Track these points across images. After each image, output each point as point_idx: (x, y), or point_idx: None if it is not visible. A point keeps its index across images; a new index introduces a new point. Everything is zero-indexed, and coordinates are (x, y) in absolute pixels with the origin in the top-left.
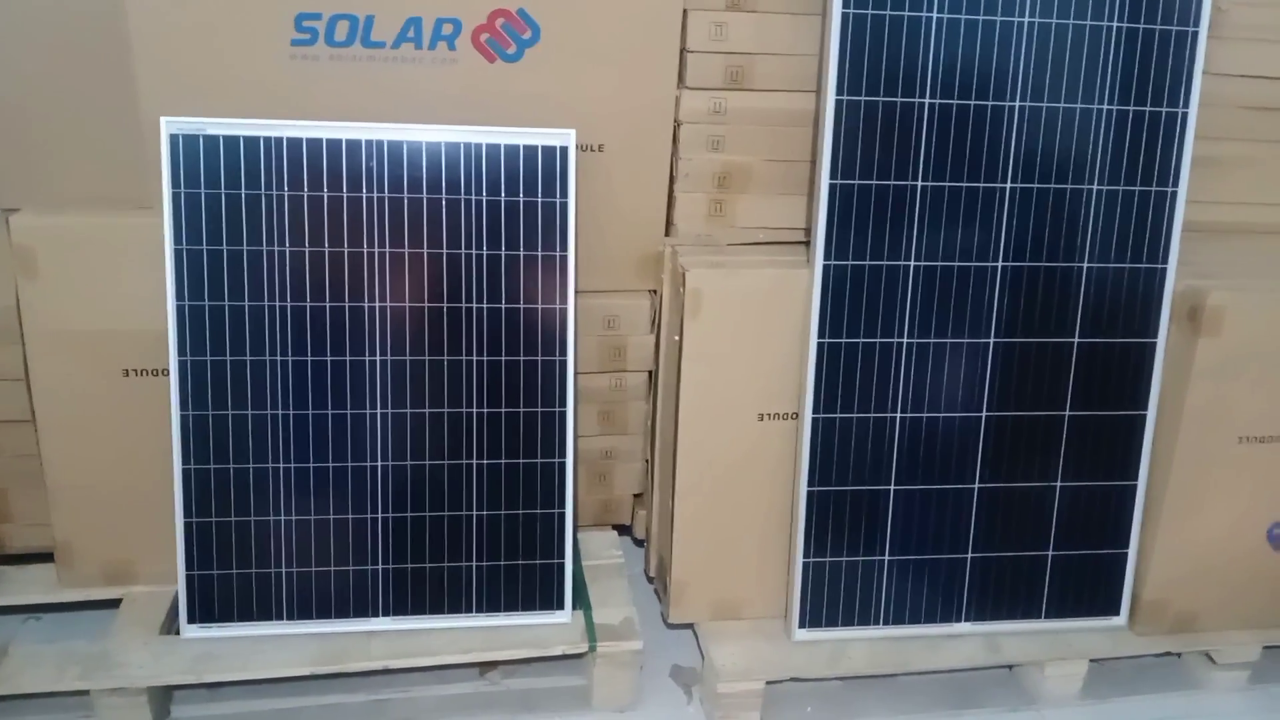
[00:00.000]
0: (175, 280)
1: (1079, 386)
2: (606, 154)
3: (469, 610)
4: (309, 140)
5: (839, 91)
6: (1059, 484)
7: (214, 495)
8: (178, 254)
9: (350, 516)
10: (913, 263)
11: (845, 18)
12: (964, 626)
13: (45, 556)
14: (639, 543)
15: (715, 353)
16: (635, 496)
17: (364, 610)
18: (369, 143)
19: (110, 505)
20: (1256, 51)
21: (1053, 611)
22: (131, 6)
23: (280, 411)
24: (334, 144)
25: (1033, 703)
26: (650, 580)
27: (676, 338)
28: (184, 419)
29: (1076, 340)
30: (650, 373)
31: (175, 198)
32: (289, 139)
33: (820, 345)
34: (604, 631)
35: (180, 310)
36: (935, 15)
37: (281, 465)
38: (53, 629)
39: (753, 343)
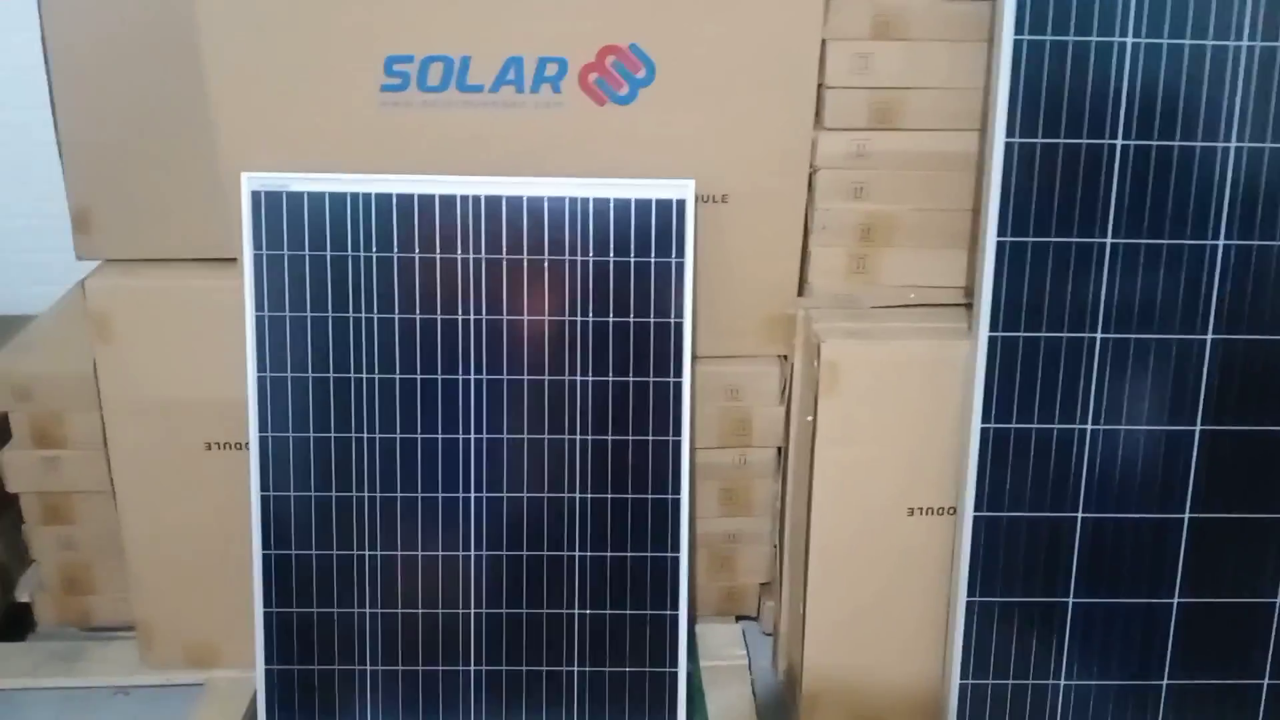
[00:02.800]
0: (256, 349)
1: None
2: (731, 204)
3: (568, 719)
4: (399, 196)
5: (1010, 133)
6: (1277, 601)
7: (295, 584)
8: (259, 321)
9: (440, 611)
10: (1099, 335)
11: (1019, 45)
12: None
13: (132, 629)
14: (763, 632)
15: (855, 435)
16: (762, 585)
17: (454, 713)
18: (465, 198)
19: (192, 585)
20: None
21: None
22: (208, 51)
23: (367, 494)
24: (426, 200)
25: None
26: (776, 679)
27: (810, 418)
28: (264, 500)
29: None
30: (780, 449)
31: (257, 260)
32: (378, 194)
33: (984, 431)
34: None
35: (261, 382)
36: (1130, 40)
37: (368, 552)
38: (139, 707)
39: (901, 424)
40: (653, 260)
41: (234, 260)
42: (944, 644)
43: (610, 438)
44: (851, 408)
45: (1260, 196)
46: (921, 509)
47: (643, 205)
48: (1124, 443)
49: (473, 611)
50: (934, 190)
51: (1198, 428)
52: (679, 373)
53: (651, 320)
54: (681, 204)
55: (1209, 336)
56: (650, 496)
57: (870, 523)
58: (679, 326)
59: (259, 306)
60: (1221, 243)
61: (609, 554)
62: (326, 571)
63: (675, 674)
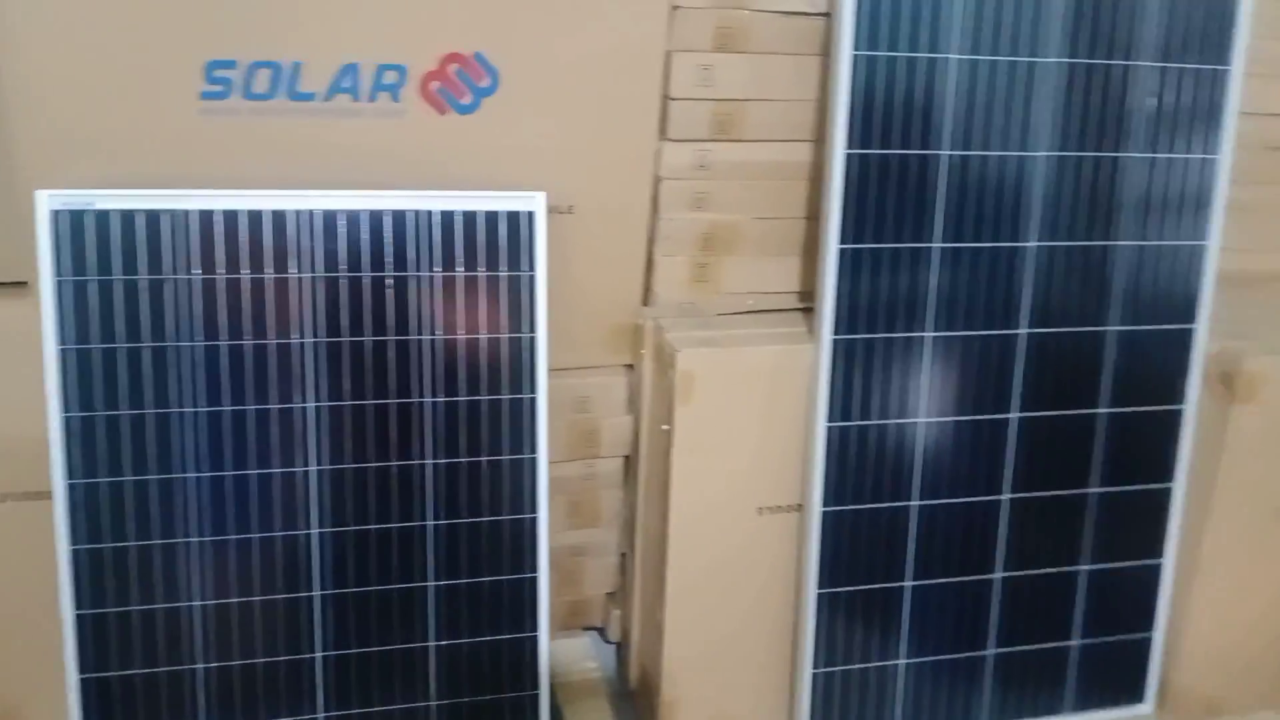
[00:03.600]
0: (59, 387)
1: (1105, 461)
2: (577, 216)
3: None
4: (224, 213)
5: (850, 144)
6: (1084, 568)
7: (115, 644)
8: (63, 355)
9: (283, 658)
10: (929, 334)
11: (856, 60)
12: None
13: None
14: (607, 640)
15: (710, 442)
16: (608, 595)
17: None
18: (298, 213)
19: None
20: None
21: (1077, 704)
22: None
23: (196, 539)
24: (255, 216)
25: None
26: (628, 688)
27: (665, 427)
28: (75, 554)
29: (1102, 411)
30: (626, 458)
31: (58, 288)
32: (199, 211)
33: (830, 429)
34: None
35: (67, 423)
36: (956, 57)
37: (197, 603)
38: None
39: (751, 428)
40: (503, 274)
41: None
42: (795, 637)
43: (463, 460)
44: (705, 414)
45: (1063, 202)
46: (770, 507)
47: (491, 218)
48: (954, 432)
49: (319, 655)
50: (771, 199)
51: (1014, 415)
52: (533, 389)
53: (504, 336)
54: (531, 216)
55: (1023, 331)
56: (506, 518)
57: (724, 524)
58: (532, 341)
59: (62, 339)
60: (1033, 244)
61: (464, 580)
62: (150, 630)
63: (537, 696)
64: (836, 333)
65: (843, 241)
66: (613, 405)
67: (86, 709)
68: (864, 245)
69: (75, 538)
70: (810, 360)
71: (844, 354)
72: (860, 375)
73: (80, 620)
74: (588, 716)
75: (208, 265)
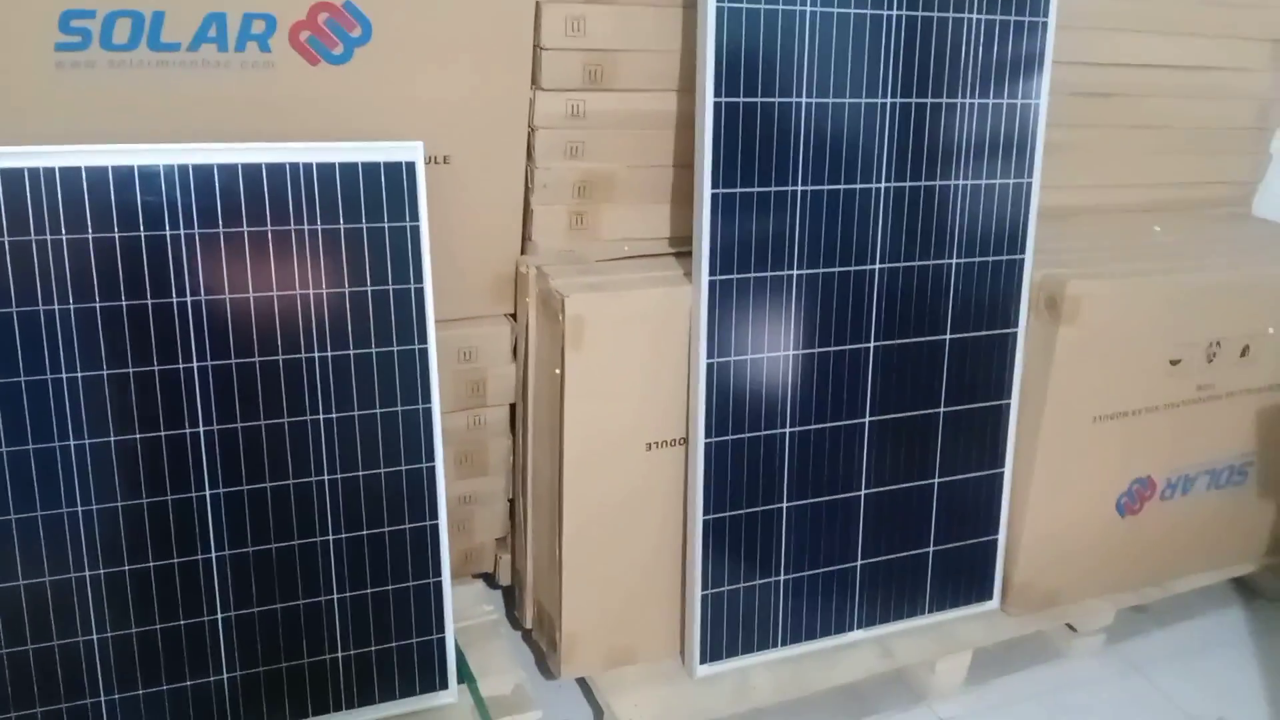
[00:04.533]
0: None
1: (950, 383)
2: (453, 166)
3: (338, 708)
4: (90, 169)
5: (718, 93)
6: (936, 480)
7: (2, 621)
8: None
9: (183, 622)
10: (795, 271)
11: (720, 12)
12: (856, 634)
13: None
14: (492, 584)
15: (601, 384)
16: (497, 540)
17: None
18: (170, 168)
19: None
20: (1081, 39)
21: (935, 605)
22: None
23: (80, 508)
24: (123, 172)
25: (922, 698)
26: (519, 628)
27: (557, 371)
28: None
29: (947, 337)
30: (512, 405)
31: None
32: (62, 169)
33: (709, 365)
34: (496, 705)
35: None
36: (809, 9)
37: (88, 573)
38: None
39: (638, 369)
40: (386, 225)
41: None
42: (684, 564)
43: (356, 413)
44: (595, 358)
45: (909, 144)
46: (659, 442)
47: (371, 169)
48: (819, 363)
49: (220, 616)
50: (643, 148)
51: (872, 344)
52: (423, 339)
53: (390, 288)
54: (411, 166)
55: (876, 266)
56: (404, 468)
57: (616, 462)
58: (419, 292)
59: None
60: (883, 185)
61: (365, 532)
62: (39, 602)
63: (444, 639)
64: (712, 273)
65: (714, 186)
66: (497, 355)
67: None
68: (734, 190)
69: None
70: (690, 301)
71: (720, 294)
72: (735, 313)
73: None
74: (490, 658)
75: (76, 225)
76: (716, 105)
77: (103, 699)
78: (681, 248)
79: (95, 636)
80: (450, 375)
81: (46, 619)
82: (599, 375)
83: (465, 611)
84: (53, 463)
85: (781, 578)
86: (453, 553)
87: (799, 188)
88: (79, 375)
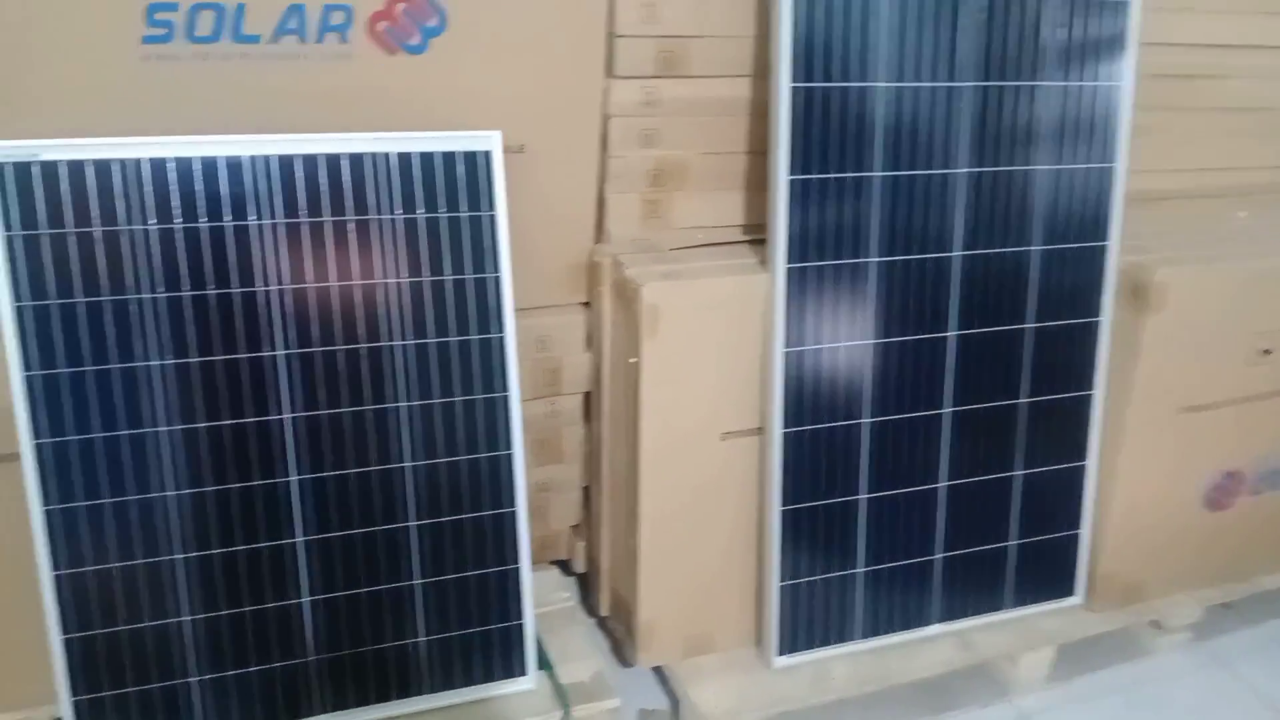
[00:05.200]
0: (20, 346)
1: (1032, 373)
2: (528, 155)
3: (419, 692)
4: (177, 161)
5: (794, 78)
6: (1018, 473)
7: (97, 602)
8: (19, 313)
9: (271, 605)
10: (873, 259)
11: None
12: (935, 628)
13: None
14: (567, 571)
15: (676, 373)
16: (572, 528)
17: (296, 712)
18: (254, 159)
19: None
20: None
21: (1016, 600)
22: None
23: (173, 492)
24: (209, 164)
25: (1004, 693)
26: (594, 615)
27: (633, 360)
28: (49, 515)
29: (1029, 326)
30: (586, 394)
31: (10, 243)
32: (150, 160)
33: (786, 355)
34: (575, 693)
35: (30, 382)
36: None
37: (179, 556)
38: None
39: (714, 357)
40: (464, 215)
41: None
42: (760, 554)
43: (437, 401)
44: (671, 347)
45: (989, 130)
46: (734, 431)
47: (449, 159)
48: (899, 352)
49: (306, 600)
50: (717, 135)
51: (952, 334)
52: (500, 328)
53: (469, 277)
54: (489, 155)
55: (957, 253)
56: (484, 455)
57: (691, 450)
58: (497, 281)
59: (17, 296)
60: (962, 170)
61: (446, 519)
62: (133, 584)
63: (522, 626)
64: (789, 261)
65: (791, 173)
66: (572, 343)
67: (72, 669)
68: (811, 176)
69: (48, 498)
70: (766, 289)
71: (797, 281)
72: (812, 301)
73: (58, 581)
74: (567, 644)
75: (163, 215)
76: (793, 91)
77: (192, 680)
78: (755, 235)
79: (186, 619)
80: (526, 363)
81: (139, 600)
82: (674, 364)
83: (542, 598)
84: (144, 448)
85: (860, 570)
86: (530, 539)
87: (876, 173)
88: (167, 363)
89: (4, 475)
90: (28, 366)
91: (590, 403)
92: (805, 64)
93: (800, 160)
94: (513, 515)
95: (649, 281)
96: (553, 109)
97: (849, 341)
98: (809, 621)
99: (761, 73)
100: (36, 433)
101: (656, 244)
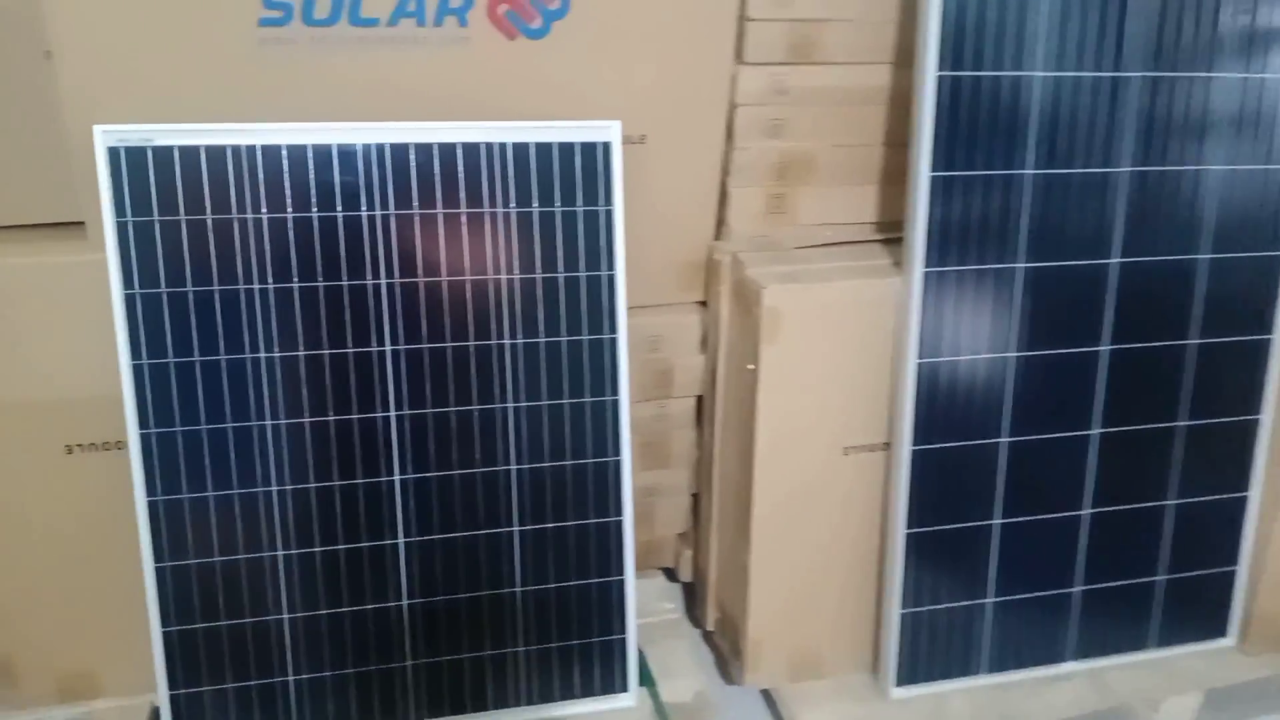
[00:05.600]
0: (129, 334)
1: (1193, 394)
2: (649, 146)
3: (516, 704)
4: (289, 148)
5: (941, 66)
6: (1171, 502)
7: (197, 596)
8: (130, 301)
9: (370, 606)
10: (1020, 264)
11: None
12: (1070, 665)
13: None
14: (672, 578)
15: (796, 380)
16: (678, 535)
17: (392, 716)
18: (367, 148)
19: (59, 610)
20: None
21: (1161, 639)
22: None
23: (275, 488)
24: (322, 151)
25: None
26: (699, 625)
27: (751, 366)
28: (152, 506)
29: (1192, 342)
30: (699, 397)
31: (121, 229)
32: (264, 147)
33: (920, 366)
34: (677, 712)
35: (138, 371)
36: None
37: (280, 552)
38: None
39: (838, 366)
40: (580, 209)
41: (79, 226)
42: (881, 577)
43: (545, 403)
44: (792, 353)
45: (1159, 126)
46: (857, 446)
47: (566, 149)
48: (1043, 365)
49: (405, 603)
50: (849, 126)
51: (1104, 348)
52: (613, 329)
53: (582, 274)
54: (608, 147)
55: (1114, 260)
56: (591, 461)
57: (810, 464)
58: (611, 280)
59: (128, 283)
60: (1126, 170)
61: (550, 525)
62: (234, 579)
63: (625, 641)
64: (927, 265)
65: (933, 169)
66: (686, 344)
67: (171, 663)
68: (955, 173)
69: (151, 489)
70: (899, 294)
71: (935, 287)
72: (951, 309)
73: (160, 574)
74: (670, 658)
75: (275, 204)
76: (939, 80)
77: (289, 679)
78: (888, 234)
79: (285, 616)
80: (637, 364)
81: (239, 596)
82: (795, 372)
83: (646, 607)
84: (249, 442)
85: (989, 600)
86: (634, 546)
87: (1028, 171)
88: (276, 355)
89: (110, 464)
90: (136, 355)
91: (702, 407)
92: (954, 50)
93: (944, 155)
94: (619, 525)
95: (771, 283)
96: (677, 97)
97: (989, 354)
98: (930, 652)
99: (902, 60)
100: (143, 423)
101: (780, 242)
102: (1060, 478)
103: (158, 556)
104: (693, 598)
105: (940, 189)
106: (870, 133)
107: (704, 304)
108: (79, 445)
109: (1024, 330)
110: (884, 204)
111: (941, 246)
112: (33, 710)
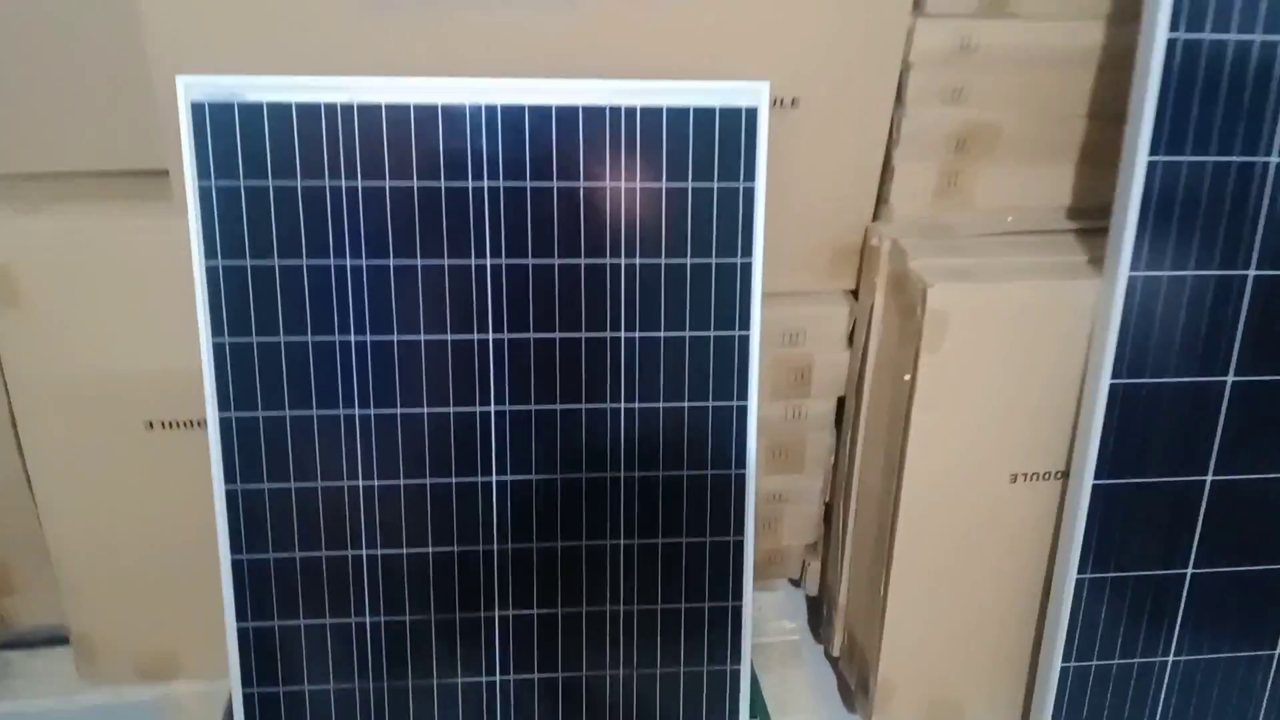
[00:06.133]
0: (210, 309)
1: None
2: (802, 110)
3: None
4: (390, 107)
5: (1173, 26)
6: None
7: (276, 593)
8: (212, 273)
9: (458, 615)
10: (1252, 271)
11: None
12: None
13: (65, 639)
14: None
15: (961, 395)
16: (806, 545)
17: None
18: (476, 110)
19: (139, 589)
20: None
21: None
22: None
23: (361, 483)
24: (425, 112)
25: None
26: (820, 640)
27: (907, 377)
28: (230, 495)
29: None
30: (839, 398)
31: (205, 194)
32: (361, 105)
33: (1114, 387)
34: None
35: (219, 350)
36: None
37: (365, 552)
38: None
39: (1012, 380)
40: (715, 185)
41: (162, 185)
42: (1039, 623)
43: (662, 405)
44: (957, 364)
45: None
46: (1026, 474)
47: (704, 116)
48: (1265, 395)
49: (497, 614)
50: (1044, 93)
51: None
52: (745, 325)
53: (712, 261)
54: (753, 114)
55: None
56: (710, 473)
57: (967, 491)
58: (746, 268)
59: (210, 254)
60: None
61: (660, 540)
62: (315, 577)
63: (739, 671)
64: (1134, 267)
65: (1153, 151)
66: (828, 339)
67: (245, 661)
68: (1180, 157)
69: (230, 477)
70: (1094, 300)
71: (1140, 293)
72: (1158, 321)
73: (238, 566)
74: (788, 689)
75: (373, 170)
76: (1170, 43)
77: (370, 685)
78: (1082, 224)
79: (367, 620)
80: (771, 359)
81: (320, 595)
82: (960, 386)
83: (764, 625)
84: (335, 430)
85: (1170, 658)
86: (756, 554)
87: (1273, 159)
88: (367, 339)
89: (192, 443)
90: (218, 332)
91: (843, 409)
92: (1190, 7)
93: (1167, 135)
94: (738, 544)
95: (938, 280)
96: (838, 54)
97: (1200, 376)
98: (1094, 713)
99: (1121, 15)
100: (223, 405)
101: (951, 228)
102: (1271, 525)
103: (235, 548)
104: (817, 614)
105: (1159, 175)
106: (1071, 102)
107: (854, 293)
108: (161, 423)
109: (1247, 351)
110: (1080, 188)
111: (1154, 245)
112: (112, 687)
